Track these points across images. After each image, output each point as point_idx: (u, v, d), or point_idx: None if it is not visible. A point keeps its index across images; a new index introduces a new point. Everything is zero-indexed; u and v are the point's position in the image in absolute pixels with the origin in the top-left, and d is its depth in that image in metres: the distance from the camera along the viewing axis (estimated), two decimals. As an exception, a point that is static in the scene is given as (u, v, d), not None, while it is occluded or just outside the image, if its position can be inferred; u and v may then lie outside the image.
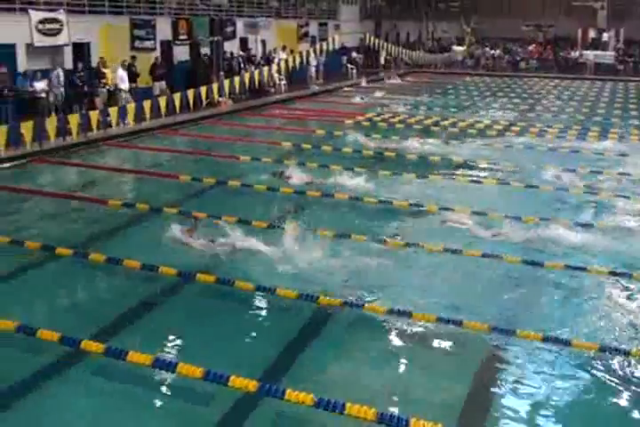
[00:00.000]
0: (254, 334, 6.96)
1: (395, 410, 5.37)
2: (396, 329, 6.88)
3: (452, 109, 23.54)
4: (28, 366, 6.07)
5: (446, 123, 19.88)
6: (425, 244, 9.06)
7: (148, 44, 21.34)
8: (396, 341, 6.74)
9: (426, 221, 10.32)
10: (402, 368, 6.34)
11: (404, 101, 25.28)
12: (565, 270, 8.39)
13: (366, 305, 7.19)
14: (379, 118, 20.76)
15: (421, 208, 10.87)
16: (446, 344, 6.67)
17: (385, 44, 36.29)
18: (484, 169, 14.09)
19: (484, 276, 8.33)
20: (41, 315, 7.38)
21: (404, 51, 37.59)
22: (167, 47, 22.29)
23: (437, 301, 7.51)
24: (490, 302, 7.66)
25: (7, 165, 13.73)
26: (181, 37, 22.91)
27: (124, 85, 18.68)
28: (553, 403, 5.68)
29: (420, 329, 6.87)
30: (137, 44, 20.91)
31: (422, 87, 30.84)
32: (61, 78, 17.32)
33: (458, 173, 13.69)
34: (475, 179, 13.09)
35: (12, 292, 7.83)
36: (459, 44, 43.23)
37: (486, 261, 8.63)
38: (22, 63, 16.89)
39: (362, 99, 25.59)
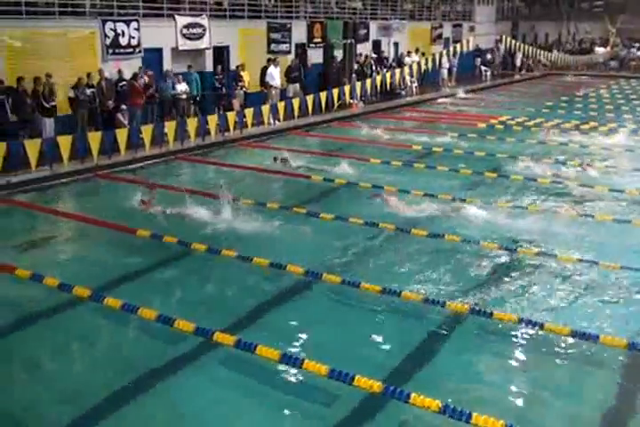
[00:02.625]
0: (379, 336, 6.89)
1: (524, 425, 5.16)
2: (526, 339, 6.64)
3: (592, 113, 22.43)
4: (163, 354, 6.38)
5: (586, 127, 18.97)
6: (558, 251, 8.80)
7: (283, 47, 21.89)
8: (526, 351, 6.50)
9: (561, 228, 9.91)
10: (531, 380, 6.08)
11: (540, 104, 24.39)
12: None
13: (495, 313, 6.98)
14: (513, 122, 20.13)
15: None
16: (579, 357, 6.35)
17: (522, 45, 35.18)
18: (623, 177, 13.29)
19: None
20: (175, 307, 7.73)
21: (541, 52, 36.29)
22: (302, 50, 22.74)
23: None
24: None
25: (151, 162, 14.59)
26: (315, 40, 23.32)
27: (275, 82, 19.28)
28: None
29: (552, 340, 6.59)
30: (273, 47, 21.49)
31: (560, 90, 29.63)
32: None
33: (597, 179, 13.03)
34: (615, 188, 12.39)
35: (152, 284, 8.24)
36: (601, 45, 41.22)
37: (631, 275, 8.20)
38: (168, 66, 17.76)
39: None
